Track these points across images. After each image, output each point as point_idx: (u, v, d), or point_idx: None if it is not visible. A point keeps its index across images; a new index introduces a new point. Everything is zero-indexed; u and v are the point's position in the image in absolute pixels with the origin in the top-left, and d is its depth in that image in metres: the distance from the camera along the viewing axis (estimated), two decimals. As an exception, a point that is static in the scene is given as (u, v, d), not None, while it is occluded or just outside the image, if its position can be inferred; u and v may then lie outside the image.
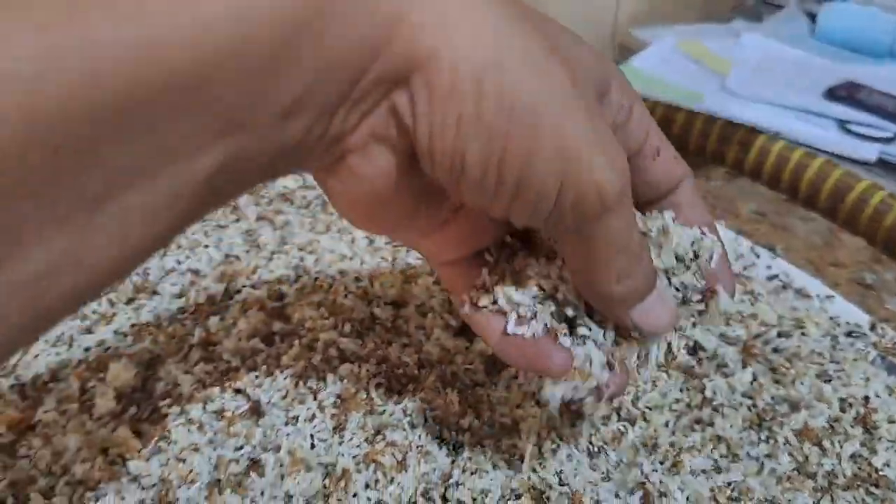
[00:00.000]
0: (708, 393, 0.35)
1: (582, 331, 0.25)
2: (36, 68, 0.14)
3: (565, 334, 0.25)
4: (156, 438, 0.30)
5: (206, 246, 0.42)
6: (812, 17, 1.06)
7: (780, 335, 0.39)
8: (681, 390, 0.36)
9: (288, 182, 0.48)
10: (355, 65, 0.18)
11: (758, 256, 0.46)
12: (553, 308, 0.25)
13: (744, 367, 0.37)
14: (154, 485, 0.29)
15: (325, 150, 0.20)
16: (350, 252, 0.41)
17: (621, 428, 0.33)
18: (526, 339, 0.25)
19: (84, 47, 0.14)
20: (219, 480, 0.29)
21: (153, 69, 0.15)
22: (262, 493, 0.29)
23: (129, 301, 0.38)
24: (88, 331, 0.36)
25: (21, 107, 0.14)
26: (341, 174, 0.21)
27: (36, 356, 0.34)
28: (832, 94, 0.79)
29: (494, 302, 0.26)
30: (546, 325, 0.25)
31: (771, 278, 0.44)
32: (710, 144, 0.56)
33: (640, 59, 1.06)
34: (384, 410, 0.32)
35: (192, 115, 0.16)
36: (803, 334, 0.39)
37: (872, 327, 0.40)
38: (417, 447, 0.31)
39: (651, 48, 1.04)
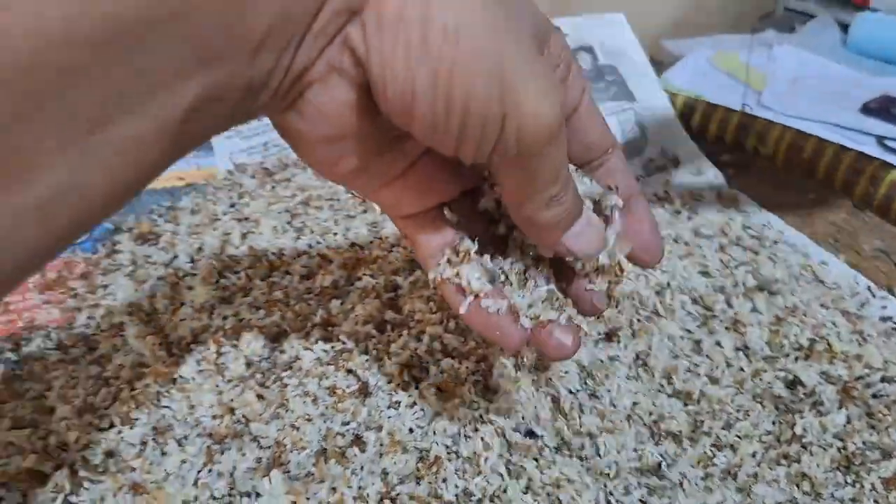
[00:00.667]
0: (798, 430, 0.35)
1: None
2: None
3: (526, 316, 0.27)
4: (275, 405, 0.34)
5: (335, 234, 0.45)
6: (844, 27, 1.03)
7: (883, 380, 0.38)
8: (773, 423, 0.36)
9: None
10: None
11: (873, 296, 0.45)
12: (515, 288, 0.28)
13: (840, 407, 0.37)
14: (270, 446, 0.33)
15: (289, 87, 0.21)
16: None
17: (709, 452, 0.34)
18: (490, 312, 0.27)
19: None
20: (325, 450, 0.33)
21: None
22: (362, 468, 0.32)
23: (264, 277, 0.42)
24: (227, 300, 0.41)
25: (27, 32, 0.15)
26: (302, 110, 0.22)
27: (182, 320, 0.39)
28: (867, 108, 0.77)
29: (458, 275, 0.27)
30: (509, 304, 0.27)
31: (884, 319, 0.44)
32: (839, 175, 0.54)
33: (673, 72, 1.03)
34: (478, 406, 0.35)
35: (173, 45, 0.17)
36: (911, 382, 0.38)
37: None
38: (505, 443, 0.33)
39: (684, 61, 1.01)
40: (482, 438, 0.33)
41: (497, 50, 0.20)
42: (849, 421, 0.36)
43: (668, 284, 0.44)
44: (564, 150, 0.23)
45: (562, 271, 0.29)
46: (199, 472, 0.32)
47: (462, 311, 0.27)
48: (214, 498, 0.31)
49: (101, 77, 0.16)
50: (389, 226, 0.46)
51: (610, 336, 0.40)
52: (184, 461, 0.32)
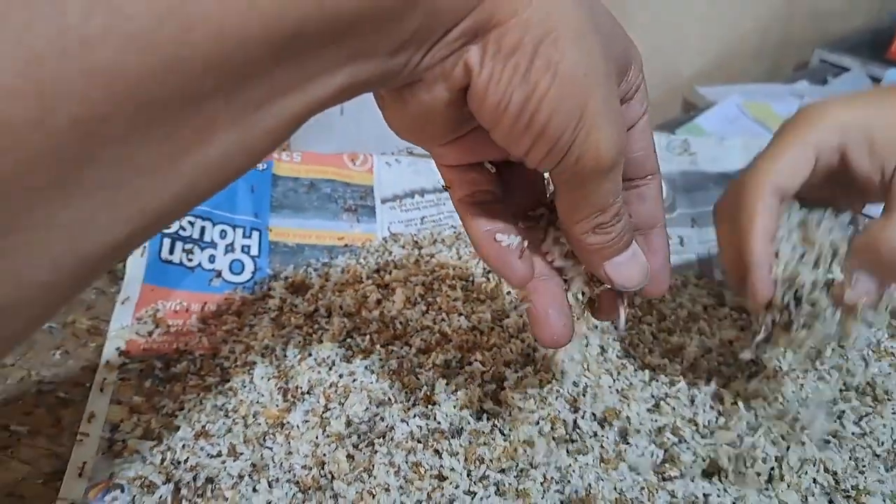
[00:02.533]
0: None
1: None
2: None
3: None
4: (361, 468, 0.36)
5: (461, 314, 0.47)
6: (876, 80, 1.01)
7: None
8: None
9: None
10: (453, 17, 0.23)
11: None
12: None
13: None
14: (346, 507, 0.35)
15: (407, 78, 0.24)
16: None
17: None
18: (502, 245, 0.30)
19: None
20: (394, 523, 0.34)
21: (319, 10, 0.20)
22: (423, 548, 0.33)
23: (385, 344, 0.45)
24: (348, 360, 0.44)
25: (235, 27, 0.18)
26: (405, 97, 0.26)
27: (304, 370, 0.42)
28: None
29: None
30: (521, 240, 0.30)
31: None
32: None
33: (704, 118, 1.02)
34: None
35: (336, 49, 0.21)
36: None
37: None
38: None
39: (717, 107, 0.99)
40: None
41: (583, 90, 0.24)
42: None
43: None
44: (616, 186, 0.27)
45: None
46: (279, 515, 0.35)
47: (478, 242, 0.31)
48: (285, 543, 0.33)
49: (274, 70, 0.20)
50: (514, 316, 0.47)
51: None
52: (269, 502, 0.35)
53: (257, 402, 0.41)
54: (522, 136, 0.25)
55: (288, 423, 0.39)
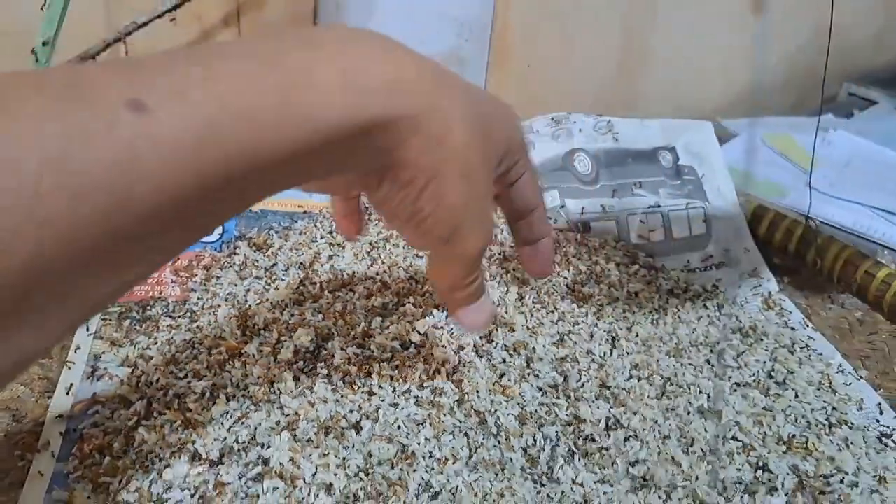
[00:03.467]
0: None
1: None
2: (264, 115, 0.24)
3: None
4: (304, 385, 0.43)
5: (400, 267, 0.54)
6: None
7: (842, 481, 0.41)
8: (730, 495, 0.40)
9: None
10: (380, 157, 0.29)
11: (881, 412, 0.48)
12: None
13: (789, 494, 0.40)
14: (289, 415, 0.42)
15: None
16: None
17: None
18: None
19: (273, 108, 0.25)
20: (329, 427, 0.41)
21: (309, 134, 0.26)
22: (353, 447, 0.40)
23: (333, 290, 0.52)
24: (300, 303, 0.51)
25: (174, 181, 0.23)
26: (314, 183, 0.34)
27: (261, 311, 0.49)
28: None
29: None
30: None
31: (880, 438, 0.46)
32: (887, 298, 0.56)
33: (724, 149, 1.05)
34: (462, 423, 0.42)
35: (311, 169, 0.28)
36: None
37: None
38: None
39: (737, 139, 1.02)
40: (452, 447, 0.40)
41: (460, 214, 0.31)
42: None
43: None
44: (477, 263, 0.35)
45: None
46: (233, 423, 0.41)
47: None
48: (237, 442, 0.40)
49: (265, 177, 0.26)
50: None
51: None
52: (225, 412, 0.42)
53: (219, 335, 0.48)
54: (406, 233, 0.33)
55: (245, 352, 0.46)
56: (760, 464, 0.42)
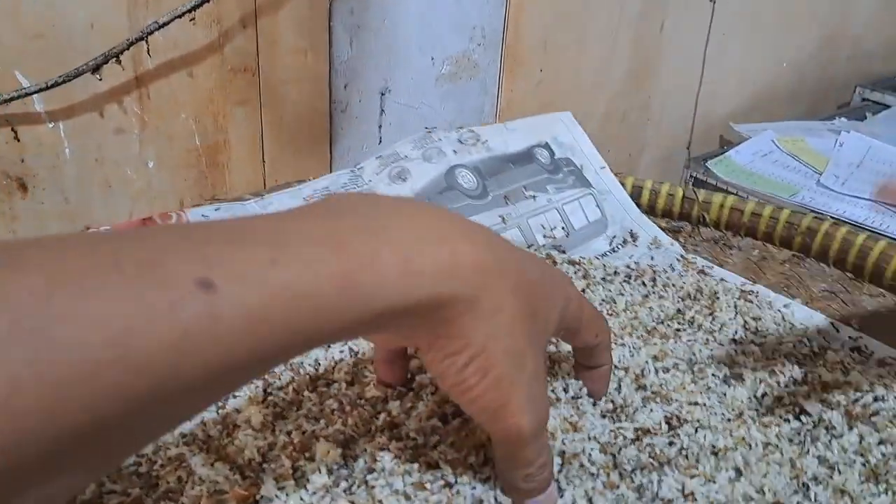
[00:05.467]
0: (824, 453, 0.41)
1: None
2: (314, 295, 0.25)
3: None
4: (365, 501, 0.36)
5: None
6: None
7: (875, 399, 0.44)
8: (794, 446, 0.41)
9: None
10: (432, 328, 0.30)
11: (837, 330, 0.53)
12: None
13: (850, 429, 0.42)
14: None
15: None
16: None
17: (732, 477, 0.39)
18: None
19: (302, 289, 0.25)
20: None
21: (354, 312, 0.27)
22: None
23: (313, 390, 0.44)
24: (281, 416, 0.42)
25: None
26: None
27: (237, 439, 0.40)
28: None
29: None
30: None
31: (853, 350, 0.51)
32: (777, 231, 0.64)
33: (736, 152, 1.09)
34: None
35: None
36: (896, 397, 0.44)
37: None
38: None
39: (749, 142, 1.07)
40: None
41: (508, 390, 0.31)
42: (862, 438, 0.41)
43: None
44: (541, 448, 0.34)
45: None
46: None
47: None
48: None
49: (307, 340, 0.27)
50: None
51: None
52: None
53: (214, 490, 0.37)
54: (456, 398, 0.33)
55: (264, 496, 0.37)
56: (797, 409, 0.44)
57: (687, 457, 0.40)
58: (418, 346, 0.32)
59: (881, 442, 0.41)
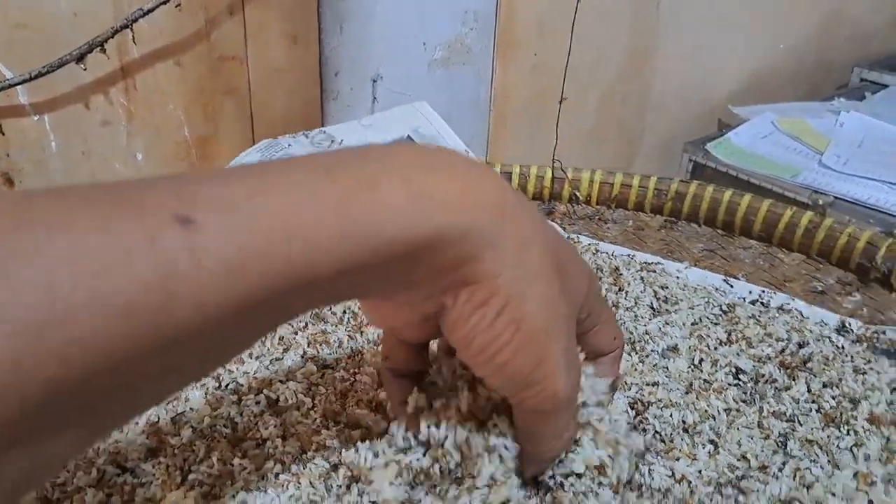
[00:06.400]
0: (779, 407, 0.39)
1: None
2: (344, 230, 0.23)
3: None
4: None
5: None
6: None
7: (800, 346, 0.44)
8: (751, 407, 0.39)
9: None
10: (449, 272, 0.26)
11: (731, 286, 0.53)
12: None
13: (792, 379, 0.41)
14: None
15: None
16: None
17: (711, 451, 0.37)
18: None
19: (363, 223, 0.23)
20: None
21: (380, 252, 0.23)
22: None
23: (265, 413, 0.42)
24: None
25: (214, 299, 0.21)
26: (383, 306, 0.30)
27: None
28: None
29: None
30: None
31: (753, 303, 0.50)
32: (648, 197, 0.65)
33: (736, 133, 1.08)
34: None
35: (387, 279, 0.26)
36: (817, 340, 0.44)
37: (843, 325, 0.47)
38: None
39: (748, 123, 1.05)
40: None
41: (543, 344, 0.27)
42: (809, 387, 0.40)
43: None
44: (570, 416, 0.31)
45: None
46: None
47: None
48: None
49: (354, 284, 0.25)
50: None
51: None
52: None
53: None
54: (484, 367, 0.28)
55: None
56: (733, 370, 0.43)
57: (663, 440, 0.38)
58: (439, 310, 0.28)
59: (825, 385, 0.40)
